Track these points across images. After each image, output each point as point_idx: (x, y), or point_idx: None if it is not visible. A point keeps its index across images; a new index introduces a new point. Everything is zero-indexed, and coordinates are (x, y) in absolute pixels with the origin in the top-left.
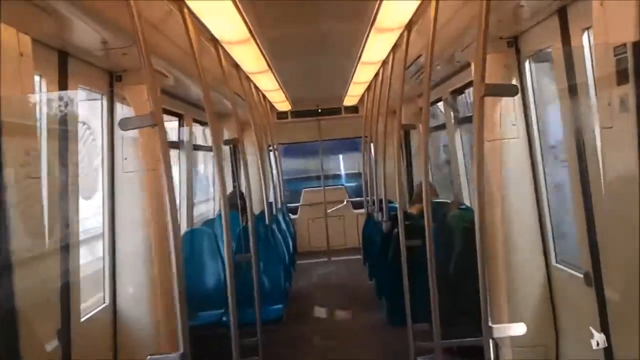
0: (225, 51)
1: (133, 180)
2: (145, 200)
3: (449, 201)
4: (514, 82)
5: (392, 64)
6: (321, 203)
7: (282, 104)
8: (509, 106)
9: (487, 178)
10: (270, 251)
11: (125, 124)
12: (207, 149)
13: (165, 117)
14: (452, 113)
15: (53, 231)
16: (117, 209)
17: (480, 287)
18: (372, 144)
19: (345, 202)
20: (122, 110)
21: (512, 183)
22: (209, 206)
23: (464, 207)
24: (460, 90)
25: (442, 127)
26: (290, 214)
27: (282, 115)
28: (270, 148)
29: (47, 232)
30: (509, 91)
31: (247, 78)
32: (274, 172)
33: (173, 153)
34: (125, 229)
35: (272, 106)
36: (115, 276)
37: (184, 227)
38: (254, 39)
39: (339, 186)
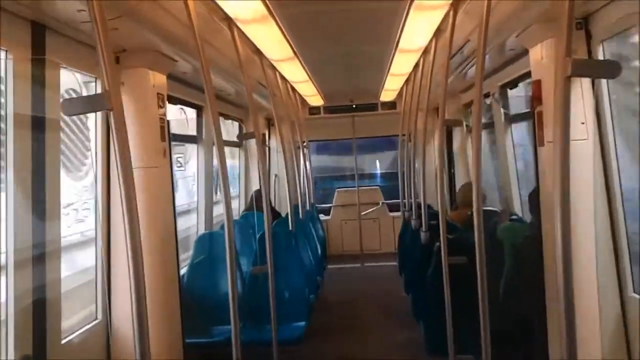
0: (241, 32)
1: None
2: (144, 202)
3: (497, 209)
4: None
5: (435, 52)
6: (355, 204)
7: (314, 98)
8: (577, 100)
9: (550, 188)
10: (293, 260)
11: (71, 108)
12: (231, 144)
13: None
14: (501, 110)
15: (21, 239)
16: (113, 212)
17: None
18: (409, 143)
19: (380, 204)
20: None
21: (580, 194)
22: (234, 204)
23: (515, 217)
24: (512, 84)
25: (488, 125)
26: (322, 214)
27: (314, 110)
28: (300, 145)
29: (13, 241)
30: (606, 70)
31: (272, 67)
32: (302, 170)
33: (192, 148)
34: (122, 234)
35: (303, 101)
36: (110, 288)
37: (201, 229)
38: (273, 18)
39: (374, 187)
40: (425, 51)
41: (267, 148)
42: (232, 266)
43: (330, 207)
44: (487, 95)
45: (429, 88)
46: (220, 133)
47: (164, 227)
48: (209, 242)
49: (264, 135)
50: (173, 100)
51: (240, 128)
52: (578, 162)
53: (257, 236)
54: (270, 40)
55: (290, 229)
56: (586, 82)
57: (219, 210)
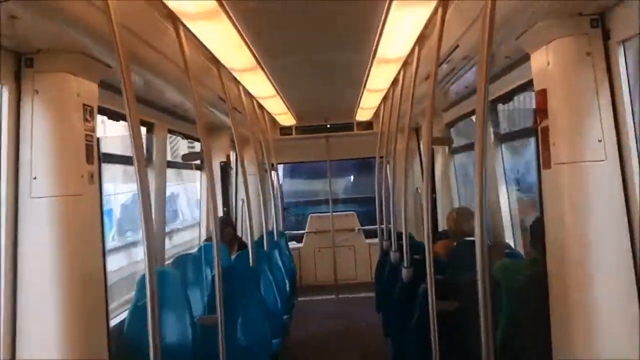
0: (189, 33)
1: (45, 209)
2: (64, 238)
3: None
4: (599, 76)
5: (418, 62)
6: (329, 231)
7: (285, 117)
8: (593, 114)
9: (560, 219)
10: (254, 301)
11: None
12: (188, 166)
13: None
14: (491, 128)
15: None
16: (21, 248)
17: None
18: (387, 165)
19: (356, 231)
20: (35, 108)
21: (597, 226)
22: (194, 234)
23: (510, 251)
24: (504, 98)
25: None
26: (295, 241)
27: (286, 130)
28: (267, 167)
29: None
30: None
31: (234, 80)
32: (271, 195)
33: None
34: (32, 276)
35: (274, 120)
36: (15, 341)
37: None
38: (227, 15)
39: (350, 212)
40: (406, 63)
41: (232, 170)
42: (155, 324)
43: (303, 234)
44: (471, 113)
45: (411, 103)
46: (140, 149)
47: (90, 267)
48: (159, 281)
49: (228, 156)
50: (115, 116)
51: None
52: (593, 188)
53: (212, 275)
54: (227, 44)
55: (251, 264)
56: (604, 94)
57: (178, 239)
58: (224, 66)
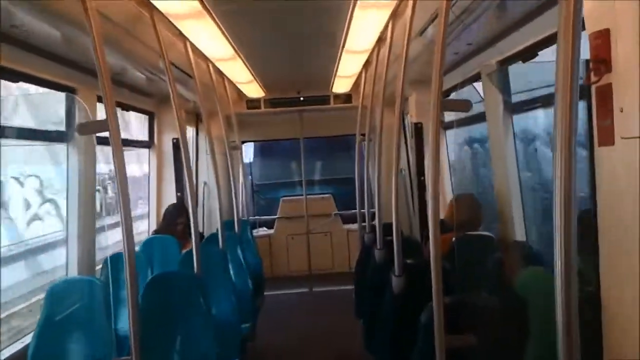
0: None
1: None
2: None
3: (491, 235)
4: None
5: (413, 8)
6: (303, 216)
7: (251, 87)
8: None
9: (625, 219)
10: (198, 317)
11: None
12: (136, 144)
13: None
14: (500, 96)
15: None
16: None
17: None
18: (370, 143)
19: (332, 216)
20: None
21: None
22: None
23: (528, 249)
24: (519, 57)
25: (473, 120)
26: (266, 227)
27: (253, 103)
28: (226, 145)
29: None
30: None
31: (179, 33)
32: (233, 178)
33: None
34: None
35: (240, 92)
36: None
37: (73, 272)
38: None
39: (326, 195)
40: (395, 14)
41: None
42: None
43: (274, 219)
44: (476, 79)
45: (404, 62)
46: None
47: None
48: (74, 293)
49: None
50: (15, 78)
51: (151, 124)
52: None
53: (149, 279)
54: None
55: (195, 271)
56: None
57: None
58: (157, 10)
